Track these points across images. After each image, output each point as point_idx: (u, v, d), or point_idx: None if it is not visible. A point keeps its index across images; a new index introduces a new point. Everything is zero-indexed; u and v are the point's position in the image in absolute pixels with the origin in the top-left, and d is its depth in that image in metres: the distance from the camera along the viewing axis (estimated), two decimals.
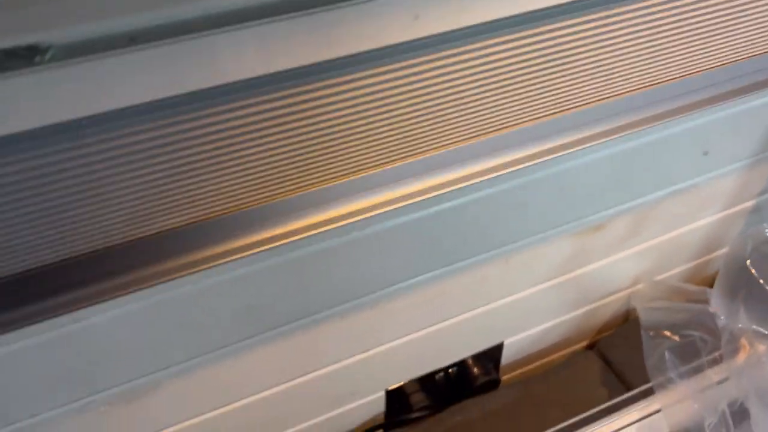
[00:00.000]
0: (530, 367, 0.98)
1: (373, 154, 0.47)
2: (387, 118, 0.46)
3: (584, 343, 1.02)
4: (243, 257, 0.45)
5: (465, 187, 0.62)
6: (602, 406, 0.79)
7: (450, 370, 0.88)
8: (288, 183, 0.43)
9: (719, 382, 0.78)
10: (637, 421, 0.78)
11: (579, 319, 0.94)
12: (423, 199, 0.55)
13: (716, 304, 0.79)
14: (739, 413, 0.75)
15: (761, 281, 0.77)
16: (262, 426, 0.77)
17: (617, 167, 0.72)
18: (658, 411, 0.78)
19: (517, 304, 0.83)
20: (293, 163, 0.42)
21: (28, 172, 0.34)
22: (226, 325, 0.62)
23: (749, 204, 0.91)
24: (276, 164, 0.41)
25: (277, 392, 0.73)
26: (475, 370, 0.89)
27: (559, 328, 0.94)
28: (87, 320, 0.53)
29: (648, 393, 0.80)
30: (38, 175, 0.34)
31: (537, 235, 0.75)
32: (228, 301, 0.60)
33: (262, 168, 0.41)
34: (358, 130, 0.46)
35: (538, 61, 0.50)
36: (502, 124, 0.53)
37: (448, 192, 0.61)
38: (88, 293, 0.41)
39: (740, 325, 0.74)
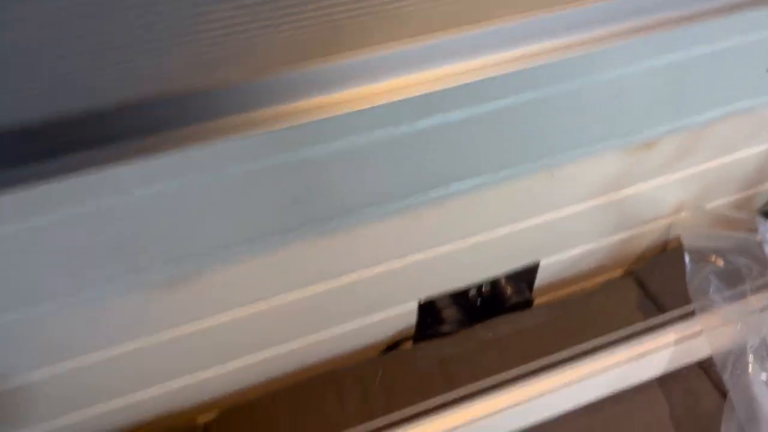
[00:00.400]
0: (564, 291, 0.97)
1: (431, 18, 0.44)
2: None
3: (620, 272, 1.00)
4: (300, 120, 0.43)
5: (518, 81, 0.60)
6: (639, 326, 0.78)
7: (484, 287, 0.88)
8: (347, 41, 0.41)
9: (762, 310, 0.76)
10: (674, 343, 0.77)
11: (617, 244, 0.93)
12: (476, 83, 0.53)
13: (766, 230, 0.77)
14: None
15: None
16: (297, 326, 0.78)
17: (674, 79, 0.69)
18: (697, 334, 0.77)
19: (558, 222, 0.82)
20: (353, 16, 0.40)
21: None
22: (268, 214, 0.61)
23: None
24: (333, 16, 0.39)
25: (314, 292, 0.73)
26: (509, 289, 0.88)
27: (597, 252, 0.92)
28: (132, 193, 0.52)
29: (686, 316, 0.78)
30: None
31: (586, 147, 0.72)
32: (273, 190, 0.59)
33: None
34: None
35: None
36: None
37: (501, 84, 0.59)
38: (140, 147, 0.40)
39: None
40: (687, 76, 0.70)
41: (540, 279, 0.92)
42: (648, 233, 0.94)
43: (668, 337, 0.77)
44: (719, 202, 0.94)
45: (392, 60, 0.46)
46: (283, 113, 0.42)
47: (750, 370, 0.67)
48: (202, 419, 0.82)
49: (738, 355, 0.69)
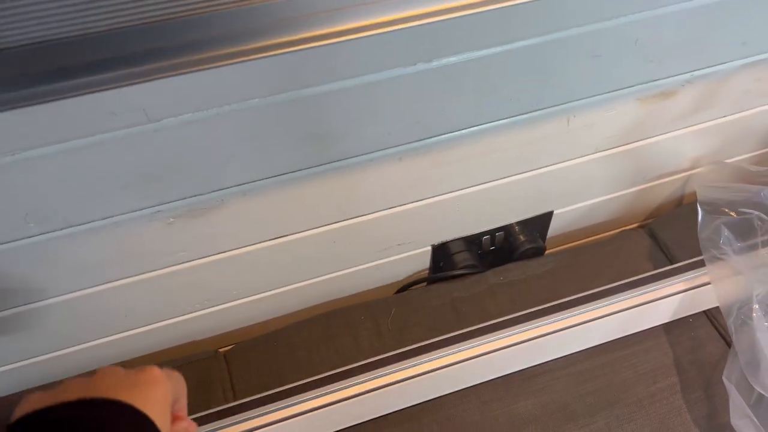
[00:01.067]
0: (577, 243, 0.99)
1: None
2: None
3: (634, 226, 1.01)
4: (321, 43, 0.45)
5: (536, 22, 0.60)
6: (647, 274, 0.79)
7: (497, 234, 0.89)
8: None
9: None
10: (682, 291, 0.78)
11: (632, 197, 0.93)
12: (495, 22, 0.54)
13: None
14: None
15: None
16: (314, 264, 0.81)
17: (696, 24, 0.68)
18: (705, 283, 0.78)
19: (572, 172, 0.83)
20: None
21: None
22: (289, 150, 0.63)
23: None
24: None
25: (331, 230, 0.76)
26: (522, 237, 0.90)
27: (611, 204, 0.93)
28: (160, 121, 0.55)
29: (695, 266, 0.79)
30: None
31: (604, 95, 0.73)
32: (293, 124, 0.61)
33: None
34: None
35: None
36: None
37: (518, 24, 0.60)
38: (164, 66, 0.42)
39: None
40: (710, 21, 0.69)
41: (553, 229, 0.93)
42: (664, 187, 0.94)
43: (676, 285, 0.78)
44: (739, 158, 0.94)
45: None
46: (303, 38, 0.44)
47: (754, 316, 0.68)
48: (222, 349, 0.86)
49: (744, 302, 0.70)
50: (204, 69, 0.44)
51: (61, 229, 0.62)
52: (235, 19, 0.41)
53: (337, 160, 0.67)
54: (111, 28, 0.39)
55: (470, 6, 0.49)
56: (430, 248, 0.87)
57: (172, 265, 0.72)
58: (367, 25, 0.47)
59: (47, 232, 0.61)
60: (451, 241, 0.87)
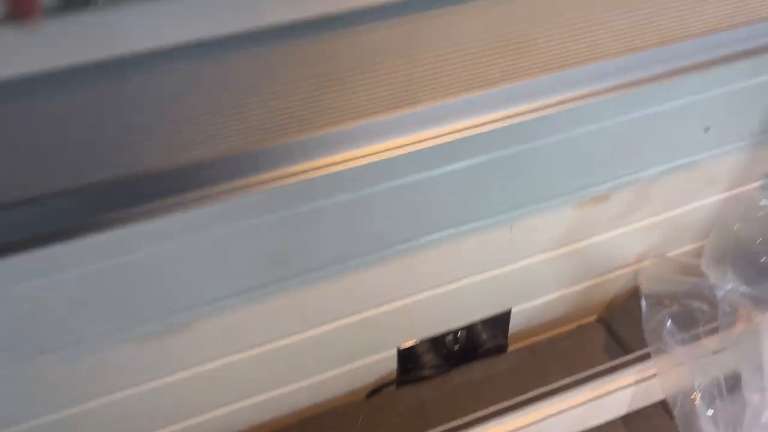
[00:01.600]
0: (539, 337, 1.03)
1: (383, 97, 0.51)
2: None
3: (592, 318, 1.05)
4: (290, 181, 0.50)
5: (473, 146, 0.68)
6: (601, 368, 0.83)
7: (459, 334, 0.93)
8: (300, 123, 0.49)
9: (714, 352, 0.81)
10: (634, 383, 0.82)
11: (585, 291, 0.98)
12: (430, 154, 0.60)
13: (705, 267, 0.82)
14: (733, 379, 0.78)
15: (751, 243, 0.80)
16: (281, 374, 0.84)
17: (618, 138, 0.76)
18: (655, 375, 0.82)
19: (523, 271, 0.88)
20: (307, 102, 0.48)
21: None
22: (247, 270, 0.69)
23: (755, 185, 0.94)
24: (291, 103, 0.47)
25: (294, 342, 0.80)
26: (484, 335, 0.94)
27: (566, 299, 0.98)
28: (132, 255, 0.60)
29: (645, 357, 0.83)
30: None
31: (540, 204, 0.79)
32: (248, 247, 0.66)
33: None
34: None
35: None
36: (508, 75, 0.56)
37: (455, 151, 0.67)
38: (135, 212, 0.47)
39: (730, 286, 0.78)
40: (633, 135, 0.77)
41: (513, 325, 0.97)
42: (615, 281, 0.99)
43: (628, 378, 0.82)
44: (681, 250, 1.00)
45: (367, 130, 0.54)
46: (278, 176, 0.50)
47: (696, 405, 0.72)
48: None
49: (687, 392, 0.74)
50: (173, 212, 0.50)
51: (35, 356, 0.65)
52: (199, 171, 0.48)
53: (295, 276, 0.73)
54: (87, 184, 0.45)
55: (426, 140, 0.55)
56: (395, 351, 0.90)
57: (142, 383, 0.74)
58: (338, 161, 0.52)
59: (18, 361, 0.65)
60: (416, 343, 0.91)
